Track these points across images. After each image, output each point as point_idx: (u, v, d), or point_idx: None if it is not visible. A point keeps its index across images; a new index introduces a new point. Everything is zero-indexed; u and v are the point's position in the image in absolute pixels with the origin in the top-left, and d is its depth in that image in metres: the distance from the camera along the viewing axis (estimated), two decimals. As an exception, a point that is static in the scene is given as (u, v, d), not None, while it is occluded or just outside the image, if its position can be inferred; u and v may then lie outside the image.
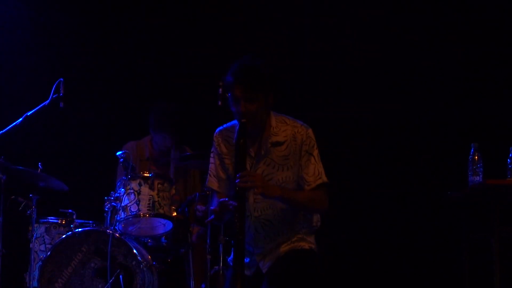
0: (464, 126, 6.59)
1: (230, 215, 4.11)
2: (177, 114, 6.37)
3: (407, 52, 6.87)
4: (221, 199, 4.15)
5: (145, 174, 5.75)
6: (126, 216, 5.64)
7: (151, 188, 5.68)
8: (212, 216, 4.18)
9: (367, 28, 6.97)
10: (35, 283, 5.75)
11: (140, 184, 5.70)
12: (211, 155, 4.43)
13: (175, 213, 5.75)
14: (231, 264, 4.40)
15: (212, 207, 4.26)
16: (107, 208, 5.79)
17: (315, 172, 4.27)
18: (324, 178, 4.29)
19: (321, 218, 4.45)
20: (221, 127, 4.43)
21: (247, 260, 4.26)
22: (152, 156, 6.41)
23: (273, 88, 4.23)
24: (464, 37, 6.75)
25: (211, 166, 4.42)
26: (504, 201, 4.88)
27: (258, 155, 4.27)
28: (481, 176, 5.01)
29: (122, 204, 5.68)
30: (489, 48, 6.69)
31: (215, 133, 4.43)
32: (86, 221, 5.98)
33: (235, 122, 4.33)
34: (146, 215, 5.65)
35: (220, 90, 5.57)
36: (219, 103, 5.59)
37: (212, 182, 4.41)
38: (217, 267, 5.66)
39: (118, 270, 5.56)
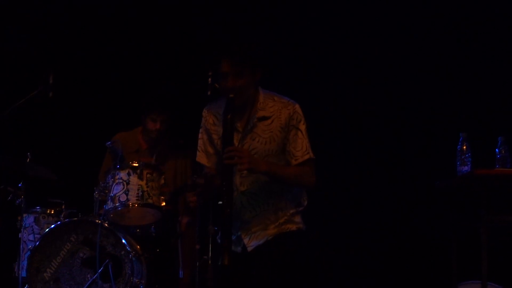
0: (453, 116, 6.59)
1: (215, 188, 4.13)
2: (168, 96, 6.37)
3: (396, 43, 6.87)
4: (205, 172, 4.17)
5: (134, 164, 5.74)
6: (115, 205, 5.64)
7: (140, 178, 5.68)
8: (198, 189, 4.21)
9: (360, 21, 6.97)
10: (23, 273, 5.74)
11: (129, 174, 5.70)
12: (200, 130, 4.46)
13: (164, 203, 5.75)
14: (219, 241, 4.42)
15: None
16: (96, 198, 5.79)
17: (302, 147, 4.28)
18: (311, 154, 4.31)
19: (309, 200, 4.45)
20: (210, 103, 4.43)
21: (233, 237, 4.26)
22: (142, 148, 6.39)
23: (261, 64, 4.23)
24: (453, 28, 6.75)
25: (200, 141, 4.46)
26: (492, 190, 4.89)
27: (245, 130, 4.29)
28: (469, 165, 5.01)
29: (111, 194, 5.68)
30: (476, 37, 6.69)
31: (204, 109, 4.45)
32: (75, 211, 5.98)
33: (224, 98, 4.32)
34: (135, 205, 5.64)
35: (209, 79, 5.55)
36: (208, 93, 5.58)
37: (201, 157, 4.46)
38: (206, 256, 5.66)
39: (107, 260, 5.56)
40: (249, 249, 4.27)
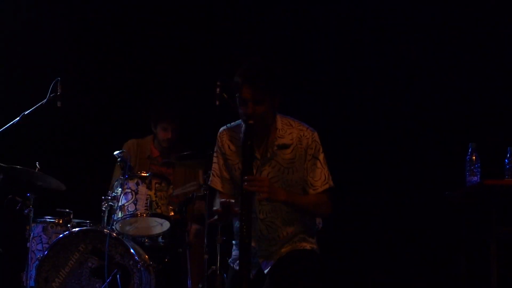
0: (462, 126, 6.58)
1: (233, 216, 4.10)
2: (177, 104, 6.39)
3: (405, 51, 6.86)
4: (222, 200, 4.12)
5: (143, 174, 5.75)
6: (123, 215, 5.64)
7: (149, 187, 5.68)
8: (215, 217, 4.14)
9: (367, 26, 6.97)
10: (32, 283, 5.73)
11: (137, 184, 5.70)
12: (214, 154, 4.36)
13: (172, 213, 5.75)
14: (231, 265, 4.40)
15: (215, 208, 4.21)
16: (104, 207, 5.79)
17: (321, 176, 4.23)
18: (331, 183, 4.26)
19: (323, 220, 4.44)
20: (225, 127, 4.36)
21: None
22: (154, 156, 6.41)
23: (281, 90, 4.20)
24: (463, 36, 6.74)
25: (214, 165, 4.35)
26: (501, 201, 4.88)
27: (263, 158, 4.22)
28: (478, 176, 5.00)
29: (120, 204, 5.68)
30: (486, 47, 6.68)
31: (219, 132, 4.35)
32: (83, 221, 5.98)
33: (239, 122, 4.27)
34: (143, 215, 5.64)
35: (218, 89, 5.55)
36: (217, 102, 5.58)
37: (216, 183, 4.35)
38: (214, 266, 5.65)
39: (116, 270, 5.55)
40: (266, 270, 4.26)
